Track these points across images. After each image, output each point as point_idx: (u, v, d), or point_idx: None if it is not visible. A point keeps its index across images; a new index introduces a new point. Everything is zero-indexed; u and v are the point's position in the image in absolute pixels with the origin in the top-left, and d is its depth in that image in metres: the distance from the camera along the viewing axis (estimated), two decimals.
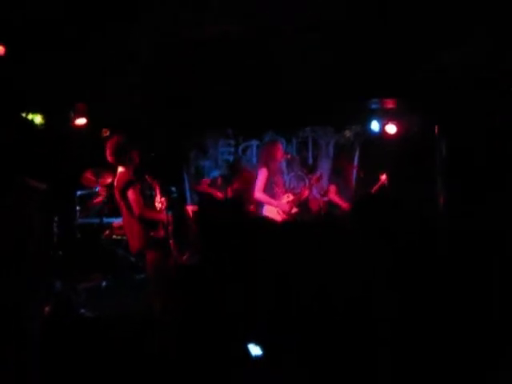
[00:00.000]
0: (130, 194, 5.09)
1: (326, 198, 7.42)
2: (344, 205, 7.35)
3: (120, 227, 7.01)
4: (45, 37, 6.00)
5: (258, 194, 6.78)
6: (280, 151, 7.07)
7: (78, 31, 5.88)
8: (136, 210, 5.05)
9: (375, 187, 7.49)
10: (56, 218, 6.99)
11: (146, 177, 5.30)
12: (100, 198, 7.29)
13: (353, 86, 7.56)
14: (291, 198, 6.96)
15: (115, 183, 5.28)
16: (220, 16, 5.80)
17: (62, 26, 5.81)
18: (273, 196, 6.83)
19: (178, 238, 5.49)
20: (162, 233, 5.22)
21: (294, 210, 6.89)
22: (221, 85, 7.52)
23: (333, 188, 7.53)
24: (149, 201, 5.29)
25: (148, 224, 5.14)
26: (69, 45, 6.11)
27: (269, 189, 6.82)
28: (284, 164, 8.71)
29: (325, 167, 9.11)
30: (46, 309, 5.14)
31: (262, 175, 6.83)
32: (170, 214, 5.34)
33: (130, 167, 5.26)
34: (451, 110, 7.47)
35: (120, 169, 5.27)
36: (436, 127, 8.06)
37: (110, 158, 5.30)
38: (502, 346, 2.54)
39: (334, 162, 9.16)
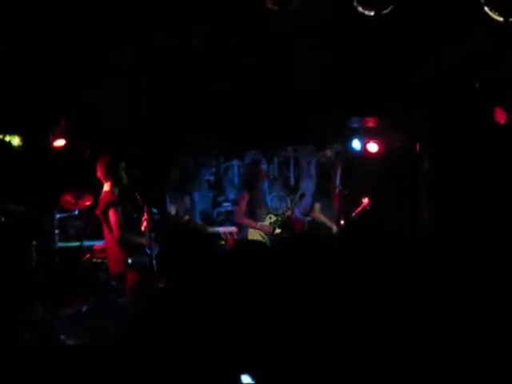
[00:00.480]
0: (111, 214, 5.01)
1: (309, 218, 7.37)
2: (328, 223, 7.30)
3: (101, 250, 6.85)
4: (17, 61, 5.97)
5: (240, 218, 6.74)
6: (261, 172, 7.04)
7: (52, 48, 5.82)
8: (116, 232, 4.97)
9: (357, 210, 7.47)
10: (34, 242, 6.88)
11: (138, 197, 5.21)
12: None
13: (333, 104, 7.54)
14: (273, 219, 6.90)
15: (99, 201, 5.20)
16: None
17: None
18: (255, 218, 6.76)
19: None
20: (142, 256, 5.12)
21: (277, 230, 6.83)
22: (201, 103, 7.41)
23: (317, 207, 7.47)
24: (134, 224, 5.20)
25: (128, 247, 5.04)
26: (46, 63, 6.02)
27: (250, 211, 6.76)
28: (266, 184, 8.64)
29: (307, 187, 9.06)
30: (26, 335, 4.96)
31: (243, 199, 6.82)
32: (152, 236, 5.22)
33: (115, 187, 5.19)
34: (433, 123, 7.48)
35: (105, 187, 5.19)
36: (418, 143, 8.06)
37: (101, 177, 5.24)
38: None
39: (316, 181, 9.12)
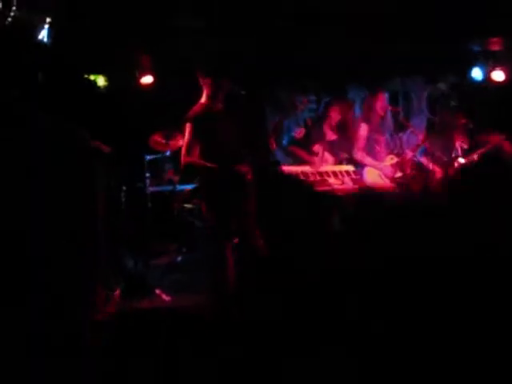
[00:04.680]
0: None
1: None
2: (437, 170, 6.34)
3: None
4: None
5: (359, 153, 5.88)
6: (382, 102, 6.13)
7: None
8: None
9: (479, 151, 6.44)
10: (124, 187, 6.38)
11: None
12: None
13: (445, 26, 6.36)
14: (395, 160, 6.00)
15: None
16: None
17: None
18: (374, 157, 5.88)
19: None
20: None
21: (398, 174, 5.94)
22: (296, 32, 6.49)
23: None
24: None
25: None
26: None
27: (369, 148, 5.89)
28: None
29: (419, 123, 8.04)
30: (116, 292, 4.42)
31: (363, 132, 5.93)
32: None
33: None
34: None
35: None
36: None
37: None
38: None
39: (428, 118, 8.10)
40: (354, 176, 5.81)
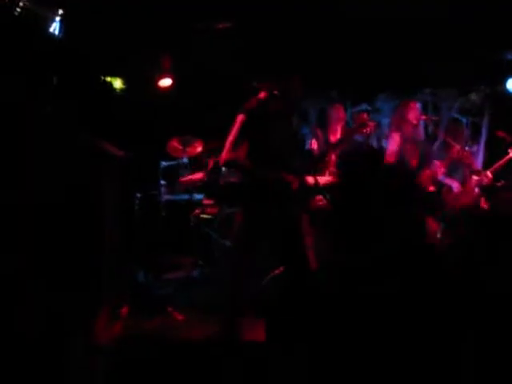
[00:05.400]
0: None
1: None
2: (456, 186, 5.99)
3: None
4: None
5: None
6: (414, 111, 5.77)
7: None
8: None
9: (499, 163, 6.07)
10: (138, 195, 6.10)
11: None
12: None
13: (481, 34, 6.14)
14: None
15: None
16: None
17: None
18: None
19: None
20: None
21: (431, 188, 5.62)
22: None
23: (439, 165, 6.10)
24: None
25: None
26: None
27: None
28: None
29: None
30: (124, 310, 4.04)
31: (394, 142, 5.56)
32: None
33: None
34: None
35: None
36: None
37: None
38: None
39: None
40: None
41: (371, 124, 5.30)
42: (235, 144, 3.84)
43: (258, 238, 3.86)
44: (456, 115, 7.74)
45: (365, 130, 5.31)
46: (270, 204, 3.83)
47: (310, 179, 4.17)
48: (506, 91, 7.18)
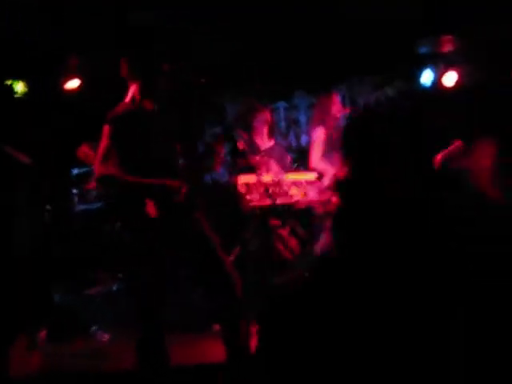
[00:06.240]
0: None
1: None
2: None
3: None
4: None
5: (316, 162, 5.37)
6: (337, 105, 5.70)
7: None
8: None
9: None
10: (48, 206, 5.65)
11: None
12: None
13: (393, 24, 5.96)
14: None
15: None
16: None
17: None
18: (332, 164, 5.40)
19: None
20: None
21: None
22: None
23: None
24: None
25: None
26: None
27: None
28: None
29: None
30: (42, 333, 3.64)
31: (319, 137, 5.44)
32: None
33: None
34: None
35: None
36: None
37: None
38: None
39: None
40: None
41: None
42: (105, 157, 3.55)
43: (157, 261, 3.48)
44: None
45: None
46: (159, 220, 3.43)
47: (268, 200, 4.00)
48: (419, 85, 7.25)
